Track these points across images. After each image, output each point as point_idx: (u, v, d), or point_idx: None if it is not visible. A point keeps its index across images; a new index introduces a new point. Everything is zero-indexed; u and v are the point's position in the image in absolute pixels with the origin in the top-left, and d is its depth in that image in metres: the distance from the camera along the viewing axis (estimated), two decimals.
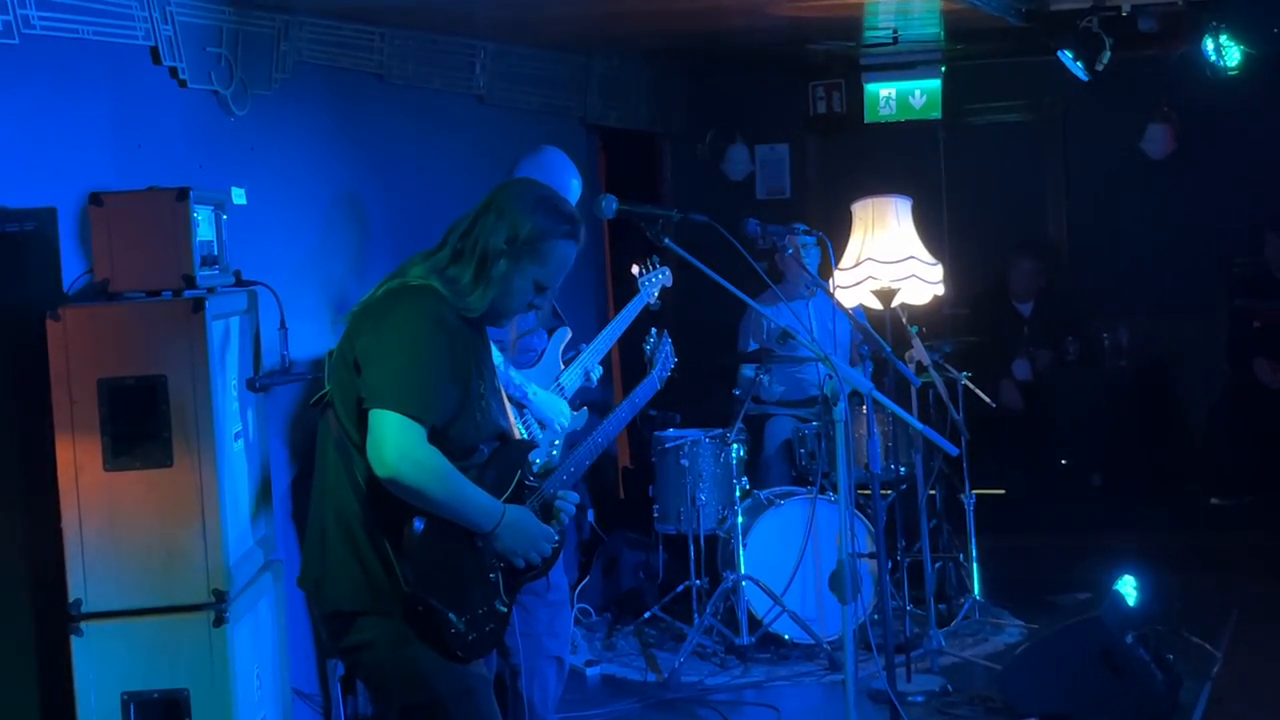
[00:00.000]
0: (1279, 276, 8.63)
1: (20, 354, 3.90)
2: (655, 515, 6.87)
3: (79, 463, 3.86)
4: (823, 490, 6.58)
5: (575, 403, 5.29)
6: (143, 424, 3.87)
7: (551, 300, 3.73)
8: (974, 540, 6.81)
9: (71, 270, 4.15)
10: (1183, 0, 7.32)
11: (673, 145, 9.59)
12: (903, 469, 6.62)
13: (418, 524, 3.36)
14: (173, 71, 4.79)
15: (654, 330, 5.35)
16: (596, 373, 5.45)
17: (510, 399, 4.91)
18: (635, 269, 5.81)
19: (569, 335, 5.37)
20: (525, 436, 4.83)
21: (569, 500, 3.76)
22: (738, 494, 6.64)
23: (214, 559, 3.91)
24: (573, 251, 3.59)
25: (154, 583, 3.90)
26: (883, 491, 6.06)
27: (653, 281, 5.73)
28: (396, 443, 3.29)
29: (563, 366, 5.31)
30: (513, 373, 5.00)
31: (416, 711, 3.46)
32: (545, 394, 5.13)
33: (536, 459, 3.94)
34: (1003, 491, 8.72)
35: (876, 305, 6.50)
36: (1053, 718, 5.45)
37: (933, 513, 6.90)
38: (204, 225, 4.09)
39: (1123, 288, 9.30)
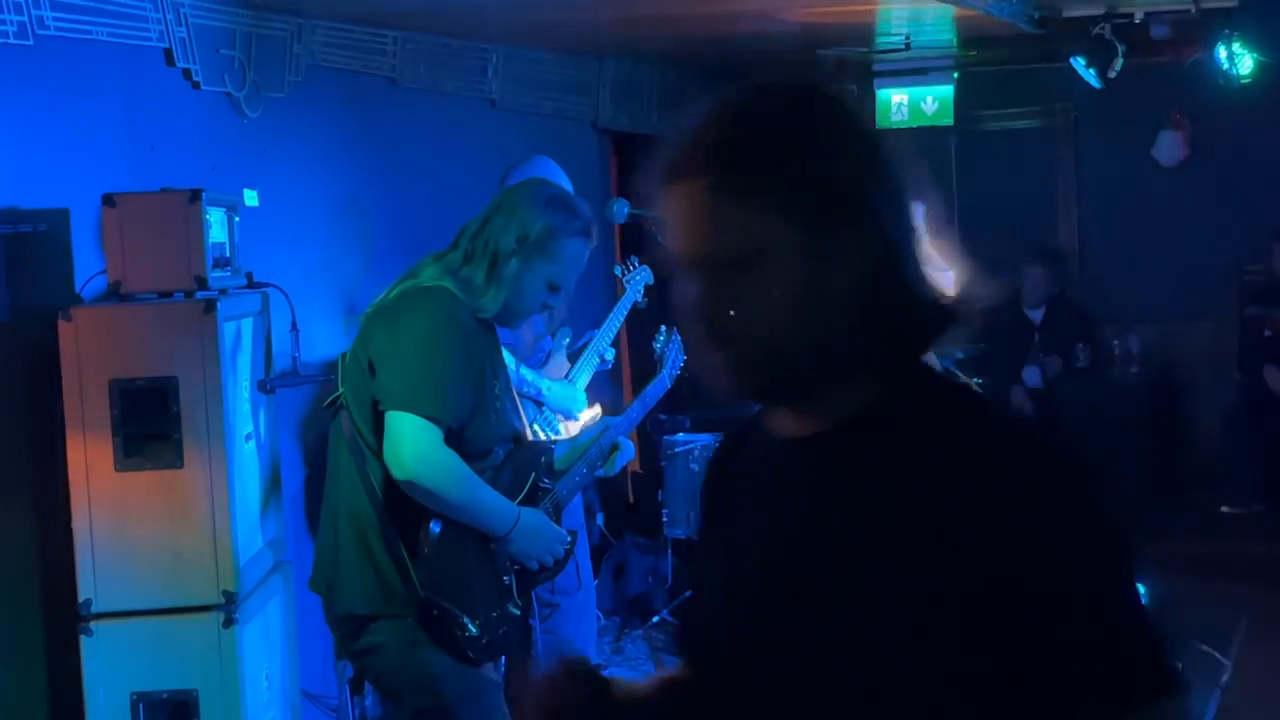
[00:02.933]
0: None
1: (32, 354, 3.91)
2: (664, 520, 6.86)
3: (90, 463, 3.85)
4: None
5: (589, 398, 5.32)
6: (154, 425, 3.85)
7: (567, 301, 3.71)
8: None
9: (84, 271, 4.15)
10: (1196, 8, 7.31)
11: None
12: None
13: (434, 527, 3.35)
14: (186, 73, 4.80)
15: (664, 328, 5.34)
16: (610, 354, 5.50)
17: (526, 396, 4.93)
18: (618, 269, 5.84)
19: (570, 334, 5.41)
20: (547, 435, 4.84)
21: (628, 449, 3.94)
22: None
23: (224, 560, 3.90)
24: (585, 250, 3.58)
25: (164, 583, 3.89)
26: None
27: (636, 280, 5.74)
28: (414, 444, 3.27)
29: (569, 363, 5.33)
30: (524, 371, 5.02)
31: (427, 715, 3.46)
32: (559, 386, 5.16)
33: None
34: None
35: None
36: None
37: None
38: (216, 227, 4.09)
39: (1134, 295, 9.28)
